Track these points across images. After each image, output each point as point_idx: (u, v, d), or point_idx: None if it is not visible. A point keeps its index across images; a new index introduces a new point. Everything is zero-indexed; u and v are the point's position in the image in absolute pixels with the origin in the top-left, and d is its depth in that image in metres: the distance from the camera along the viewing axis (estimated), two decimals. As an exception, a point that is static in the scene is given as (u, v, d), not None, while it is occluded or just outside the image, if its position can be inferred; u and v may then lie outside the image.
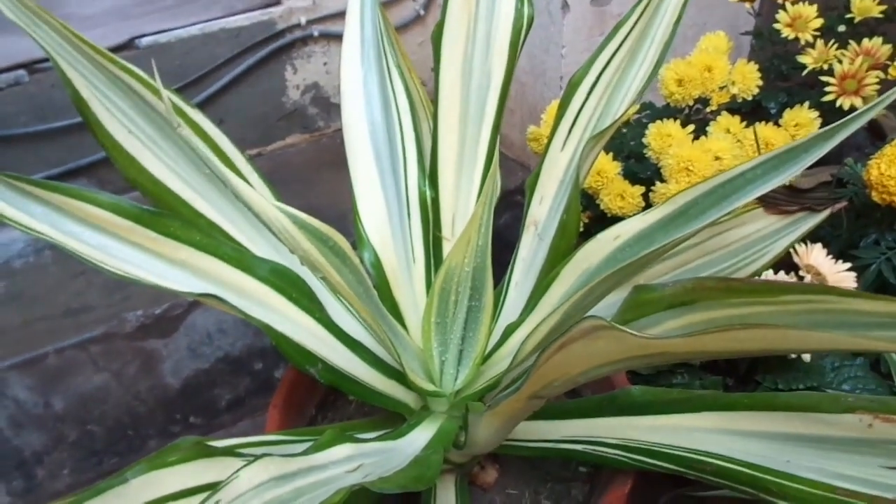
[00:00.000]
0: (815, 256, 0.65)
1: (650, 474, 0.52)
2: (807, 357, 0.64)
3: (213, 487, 0.36)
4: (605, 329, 0.29)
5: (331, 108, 1.16)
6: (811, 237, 0.57)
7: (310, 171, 1.12)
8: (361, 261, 0.55)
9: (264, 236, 0.56)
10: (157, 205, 0.51)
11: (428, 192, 0.56)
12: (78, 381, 0.84)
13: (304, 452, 0.38)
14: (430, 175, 0.57)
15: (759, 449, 0.44)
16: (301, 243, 0.39)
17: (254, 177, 0.57)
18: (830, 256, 0.65)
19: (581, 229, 0.59)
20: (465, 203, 0.58)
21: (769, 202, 0.48)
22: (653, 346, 0.27)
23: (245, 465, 0.32)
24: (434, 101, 0.58)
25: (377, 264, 0.56)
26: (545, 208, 0.54)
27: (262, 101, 1.10)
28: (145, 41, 0.95)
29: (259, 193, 0.39)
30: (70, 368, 0.83)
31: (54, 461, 0.86)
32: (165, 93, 0.38)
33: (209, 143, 0.55)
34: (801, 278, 0.66)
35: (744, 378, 0.72)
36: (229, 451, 0.40)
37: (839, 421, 0.41)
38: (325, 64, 1.12)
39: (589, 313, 0.38)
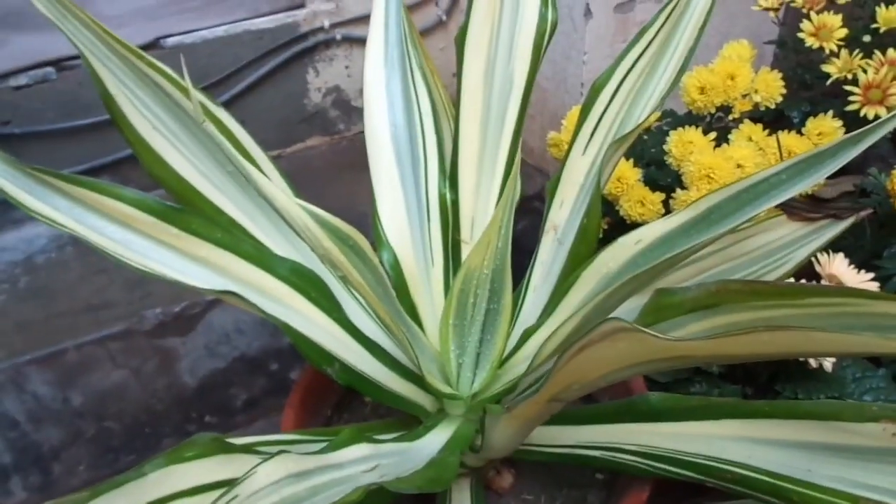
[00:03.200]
0: (838, 266, 0.65)
1: (666, 483, 0.51)
2: (828, 367, 0.63)
3: (229, 484, 0.36)
4: (627, 331, 0.29)
5: (351, 112, 1.17)
6: (833, 247, 0.56)
7: (329, 173, 1.12)
8: (380, 262, 0.55)
9: (284, 235, 0.56)
10: (179, 201, 0.51)
11: (448, 195, 0.56)
12: (97, 377, 0.84)
13: (322, 451, 0.38)
14: (451, 177, 0.57)
15: (780, 457, 0.44)
16: (322, 241, 0.39)
17: (275, 175, 0.58)
18: (853, 266, 0.65)
19: (600, 235, 0.58)
20: (484, 207, 0.58)
21: (792, 210, 0.47)
22: (675, 348, 0.27)
23: (262, 462, 0.32)
24: (456, 103, 0.58)
25: (396, 266, 0.56)
26: (565, 212, 0.54)
27: (284, 103, 1.11)
28: (170, 41, 0.97)
29: (281, 191, 0.39)
30: (89, 364, 0.84)
31: (71, 457, 0.86)
32: (193, 91, 0.38)
33: (233, 142, 0.55)
34: (824, 288, 0.65)
35: (763, 387, 0.71)
36: (246, 449, 0.40)
37: (862, 430, 0.40)
38: (346, 67, 1.12)
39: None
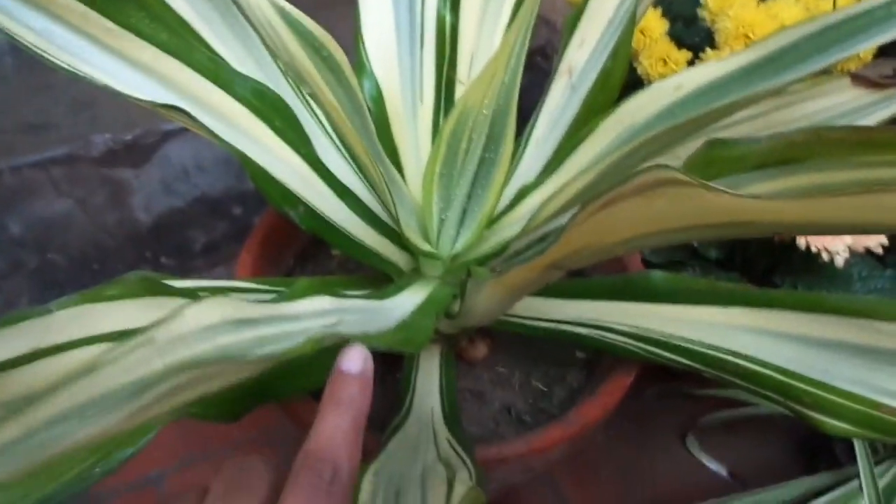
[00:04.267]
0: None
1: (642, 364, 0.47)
2: (840, 262, 0.58)
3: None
4: (677, 184, 0.22)
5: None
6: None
7: None
8: (361, 90, 0.47)
9: (249, 48, 0.47)
10: (116, -11, 0.42)
11: (447, 18, 0.47)
12: (38, 204, 0.77)
13: (275, 300, 0.32)
14: (453, -3, 0.48)
15: (794, 353, 0.39)
16: (287, 44, 0.31)
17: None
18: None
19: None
20: (488, 39, 0.49)
21: (857, 73, 0.40)
22: (745, 209, 0.20)
23: (192, 303, 0.25)
24: None
25: (378, 99, 0.47)
26: (585, 53, 0.45)
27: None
28: None
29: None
30: (29, 190, 0.76)
31: (12, 287, 0.80)
32: None
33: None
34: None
35: (760, 278, 0.66)
36: (185, 292, 0.33)
37: (897, 331, 0.35)
38: None
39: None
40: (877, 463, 0.62)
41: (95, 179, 0.79)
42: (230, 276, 0.90)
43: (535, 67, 0.89)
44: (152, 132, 0.78)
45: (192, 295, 0.34)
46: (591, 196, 0.25)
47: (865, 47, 0.29)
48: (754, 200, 0.19)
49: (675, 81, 0.38)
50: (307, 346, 0.23)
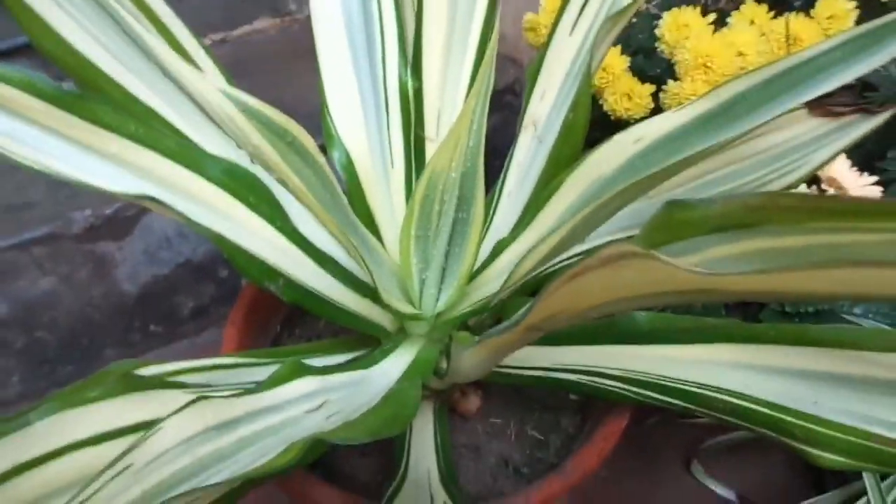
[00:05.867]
0: (838, 168, 0.59)
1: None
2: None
3: (144, 427, 0.30)
4: (640, 258, 0.22)
5: (303, -11, 1.04)
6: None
7: (281, 61, 1.01)
8: (332, 162, 0.47)
9: (220, 130, 0.47)
10: (81, 85, 0.42)
11: (410, 83, 0.47)
12: (21, 284, 0.76)
13: (254, 390, 0.32)
14: (413, 62, 0.48)
15: (783, 387, 0.39)
16: (250, 136, 0.31)
17: (204, 59, 0.48)
18: (855, 168, 0.59)
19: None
20: (452, 97, 0.50)
21: (814, 103, 0.40)
22: (705, 282, 0.21)
23: (171, 414, 0.25)
24: (420, -29, 0.48)
25: (349, 167, 0.48)
26: (547, 105, 0.46)
27: (225, -23, 0.98)
28: None
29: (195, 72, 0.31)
30: (11, 271, 0.75)
31: (1, 368, 0.80)
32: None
33: (150, 18, 0.45)
34: (823, 192, 0.60)
35: (746, 299, 0.67)
36: (166, 382, 0.33)
37: (884, 361, 0.35)
38: (296, -64, 0.99)
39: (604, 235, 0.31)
40: (883, 478, 0.62)
41: (78, 255, 0.79)
42: (220, 339, 0.90)
43: (505, 107, 0.90)
44: (133, 204, 0.78)
45: (173, 384, 0.34)
46: (548, 261, 0.25)
47: (808, 97, 0.30)
48: (711, 277, 0.20)
49: (635, 134, 0.38)
50: (290, 454, 0.23)
